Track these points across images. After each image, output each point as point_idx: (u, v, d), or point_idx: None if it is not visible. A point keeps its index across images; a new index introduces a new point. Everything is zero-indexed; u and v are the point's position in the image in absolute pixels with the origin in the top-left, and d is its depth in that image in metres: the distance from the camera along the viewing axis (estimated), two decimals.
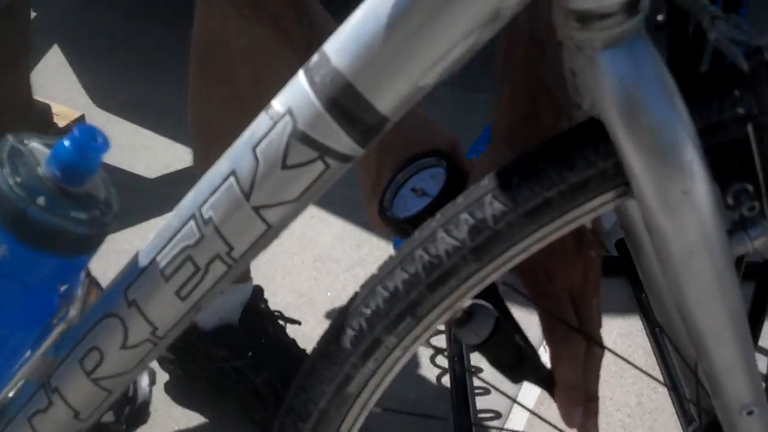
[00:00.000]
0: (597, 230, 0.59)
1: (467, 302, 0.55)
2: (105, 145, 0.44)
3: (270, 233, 0.47)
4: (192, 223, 0.46)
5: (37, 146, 0.45)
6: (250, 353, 1.09)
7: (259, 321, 1.10)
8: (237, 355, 1.09)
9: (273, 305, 1.19)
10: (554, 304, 0.58)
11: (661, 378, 1.20)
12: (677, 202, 0.44)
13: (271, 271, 1.42)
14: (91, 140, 0.43)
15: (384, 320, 0.52)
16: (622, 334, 1.37)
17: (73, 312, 0.49)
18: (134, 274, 0.48)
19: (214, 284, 0.48)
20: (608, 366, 1.28)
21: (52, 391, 0.51)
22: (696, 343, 0.50)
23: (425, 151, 0.61)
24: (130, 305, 0.48)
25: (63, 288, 0.47)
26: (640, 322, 1.41)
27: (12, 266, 0.44)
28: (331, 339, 0.54)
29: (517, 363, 0.56)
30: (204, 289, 0.48)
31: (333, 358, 0.54)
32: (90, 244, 0.46)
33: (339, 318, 0.53)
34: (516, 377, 0.57)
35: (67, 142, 0.43)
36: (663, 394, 1.23)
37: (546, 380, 0.59)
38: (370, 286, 0.52)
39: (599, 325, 0.61)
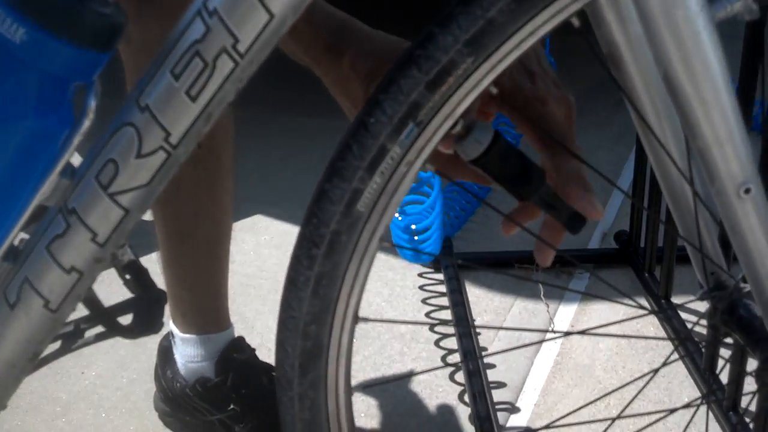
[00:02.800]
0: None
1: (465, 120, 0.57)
2: None
3: (273, 25, 0.49)
4: (198, 18, 0.49)
5: None
6: (231, 405, 1.09)
7: (241, 372, 1.10)
8: (218, 407, 1.10)
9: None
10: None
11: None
12: None
13: (266, 319, 1.45)
14: None
15: (387, 126, 0.54)
16: (629, 314, 1.41)
17: (87, 123, 0.51)
18: (145, 80, 0.50)
19: (223, 83, 0.50)
20: (619, 341, 1.31)
21: (69, 213, 0.53)
22: (686, 118, 0.52)
23: None
24: (142, 111, 0.50)
25: (77, 85, 0.49)
26: (645, 301, 1.45)
27: (29, 51, 0.46)
28: (337, 156, 0.55)
29: (525, 173, 0.58)
30: (213, 88, 0.50)
31: (341, 174, 0.55)
32: (103, 38, 0.48)
33: (344, 135, 0.55)
34: (526, 191, 0.58)
35: None
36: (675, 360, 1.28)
37: (553, 201, 0.60)
38: (372, 97, 0.54)
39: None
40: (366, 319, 0.62)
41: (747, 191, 0.54)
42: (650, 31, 0.50)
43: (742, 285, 0.70)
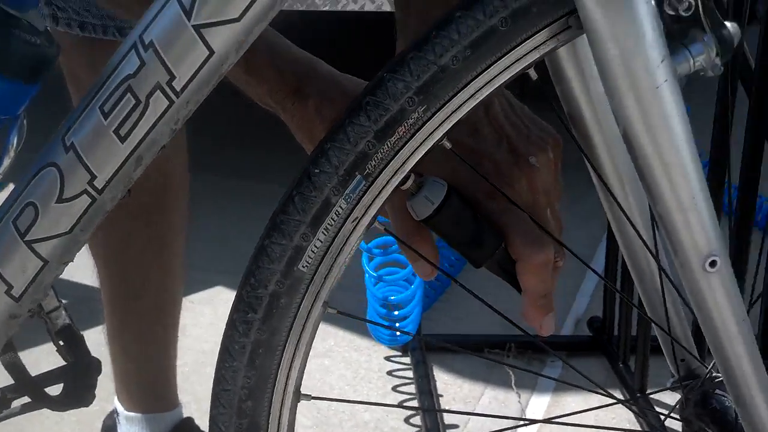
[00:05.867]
0: (540, 130, 0.59)
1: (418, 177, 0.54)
2: None
3: (212, 62, 0.46)
4: (133, 51, 0.46)
5: None
6: None
7: None
8: None
9: None
10: (509, 218, 0.57)
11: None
12: (623, 20, 0.45)
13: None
14: None
15: (332, 178, 0.50)
16: (604, 408, 1.35)
17: (6, 161, 0.47)
18: (73, 117, 0.47)
19: (155, 123, 0.47)
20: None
21: None
22: (646, 181, 0.49)
23: None
24: (67, 150, 0.47)
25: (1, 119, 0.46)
26: (620, 392, 1.40)
27: None
28: (278, 209, 0.52)
29: (479, 236, 0.54)
30: (145, 128, 0.46)
31: (281, 229, 0.52)
32: (28, 69, 0.45)
33: (288, 187, 0.52)
34: (480, 256, 0.54)
35: None
36: None
37: (509, 270, 0.56)
38: (318, 146, 0.51)
39: (559, 233, 0.60)
40: (309, 396, 0.56)
41: (712, 264, 0.50)
42: (608, 83, 0.47)
43: (714, 374, 0.66)
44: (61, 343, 0.74)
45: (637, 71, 0.46)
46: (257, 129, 2.07)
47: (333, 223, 0.51)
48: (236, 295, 0.54)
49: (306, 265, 0.52)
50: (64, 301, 0.71)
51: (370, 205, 0.51)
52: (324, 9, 1.85)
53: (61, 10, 0.82)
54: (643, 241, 0.59)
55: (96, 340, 1.10)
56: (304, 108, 0.60)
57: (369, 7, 1.86)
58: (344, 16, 1.98)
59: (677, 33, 0.48)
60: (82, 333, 0.75)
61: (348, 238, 0.52)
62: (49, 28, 0.83)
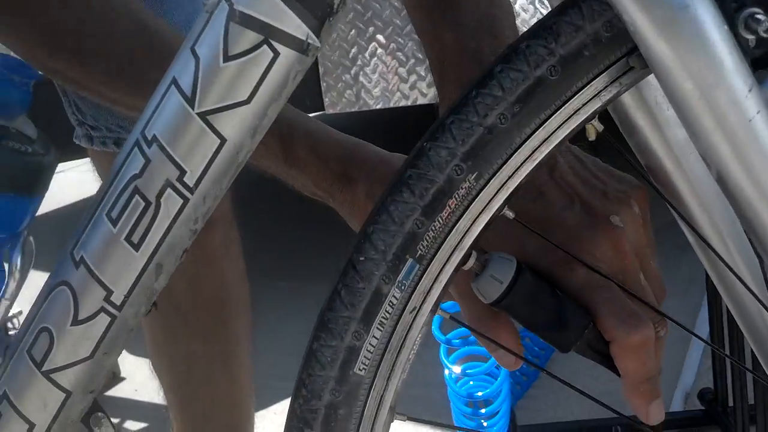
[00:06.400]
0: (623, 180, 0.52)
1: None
2: (32, 75, 0.40)
3: (226, 151, 0.41)
4: (136, 149, 0.41)
5: None
6: None
7: None
8: None
9: None
10: (595, 291, 0.49)
11: None
12: (693, 50, 0.38)
13: None
14: (15, 71, 0.40)
15: (381, 265, 0.44)
16: None
17: (12, 284, 0.42)
18: (80, 228, 0.42)
19: (171, 225, 0.41)
20: None
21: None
22: (753, 228, 0.41)
23: None
24: (77, 265, 0.42)
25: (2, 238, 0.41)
26: None
27: None
28: (325, 307, 0.46)
29: (562, 317, 0.46)
30: (160, 232, 0.41)
31: (329, 329, 0.45)
32: (25, 181, 0.41)
33: (333, 284, 0.46)
34: (565, 340, 0.46)
35: None
36: None
37: (604, 352, 0.48)
38: (361, 231, 0.45)
39: (661, 296, 0.51)
40: None
41: None
42: (690, 124, 0.40)
43: None
44: None
45: (723, 105, 0.39)
46: (313, 224, 1.99)
47: (388, 316, 0.44)
48: (288, 410, 0.47)
49: (363, 368, 0.45)
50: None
51: (429, 291, 0.45)
52: (377, 107, 1.81)
53: (95, 129, 0.80)
54: (756, 297, 0.50)
55: None
56: (353, 193, 0.55)
57: (422, 101, 1.81)
58: (397, 112, 1.94)
59: (763, 59, 0.41)
60: None
61: (408, 331, 0.45)
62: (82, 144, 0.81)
